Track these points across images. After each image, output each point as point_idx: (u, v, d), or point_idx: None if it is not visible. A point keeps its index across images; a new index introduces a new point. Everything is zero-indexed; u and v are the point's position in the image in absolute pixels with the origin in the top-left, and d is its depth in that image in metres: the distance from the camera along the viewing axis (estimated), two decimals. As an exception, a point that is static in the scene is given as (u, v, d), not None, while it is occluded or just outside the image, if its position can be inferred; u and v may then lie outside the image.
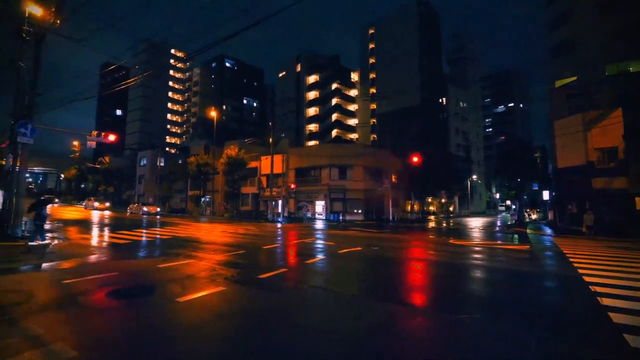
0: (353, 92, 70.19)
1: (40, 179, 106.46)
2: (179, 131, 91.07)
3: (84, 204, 43.16)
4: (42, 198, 11.90)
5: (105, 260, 8.91)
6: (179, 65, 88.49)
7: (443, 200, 52.58)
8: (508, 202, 70.33)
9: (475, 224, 30.87)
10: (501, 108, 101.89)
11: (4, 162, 18.08)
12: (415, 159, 30.70)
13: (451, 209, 54.40)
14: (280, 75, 75.85)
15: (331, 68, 66.40)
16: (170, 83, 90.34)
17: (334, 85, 65.50)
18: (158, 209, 34.50)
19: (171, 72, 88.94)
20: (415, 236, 18.35)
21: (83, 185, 63.34)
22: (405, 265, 9.45)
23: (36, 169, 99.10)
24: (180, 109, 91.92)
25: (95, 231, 16.33)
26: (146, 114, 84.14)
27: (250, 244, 12.62)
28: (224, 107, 75.53)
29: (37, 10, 12.83)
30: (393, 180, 36.47)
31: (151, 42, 78.14)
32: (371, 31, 67.57)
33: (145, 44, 79.09)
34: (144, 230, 17.03)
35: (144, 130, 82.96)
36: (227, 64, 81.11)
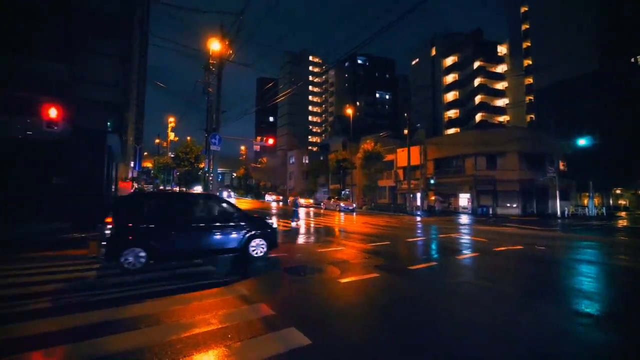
0: (501, 68, 61.13)
1: (220, 177, 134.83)
2: (318, 130, 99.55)
3: (288, 200, 43.19)
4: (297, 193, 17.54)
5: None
6: (316, 70, 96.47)
7: (640, 192, 40.14)
8: None
9: (700, 223, 22.35)
10: None
11: (202, 165, 24.09)
12: (592, 140, 24.32)
13: (654, 202, 40.88)
14: (413, 63, 72.79)
15: (472, 45, 59.49)
16: (310, 87, 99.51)
17: (477, 64, 58.55)
18: (354, 205, 32.66)
19: (309, 77, 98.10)
20: (598, 237, 14.72)
21: (248, 182, 77.13)
22: (585, 269, 7.78)
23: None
24: (319, 110, 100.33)
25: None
26: (292, 118, 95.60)
27: (393, 236, 12.81)
28: (358, 103, 77.97)
29: (216, 47, 16.51)
30: (560, 167, 30.07)
31: (293, 53, 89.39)
32: (523, -8, 57.12)
33: (289, 56, 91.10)
34: (302, 220, 19.52)
35: (290, 132, 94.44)
36: (359, 61, 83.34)
